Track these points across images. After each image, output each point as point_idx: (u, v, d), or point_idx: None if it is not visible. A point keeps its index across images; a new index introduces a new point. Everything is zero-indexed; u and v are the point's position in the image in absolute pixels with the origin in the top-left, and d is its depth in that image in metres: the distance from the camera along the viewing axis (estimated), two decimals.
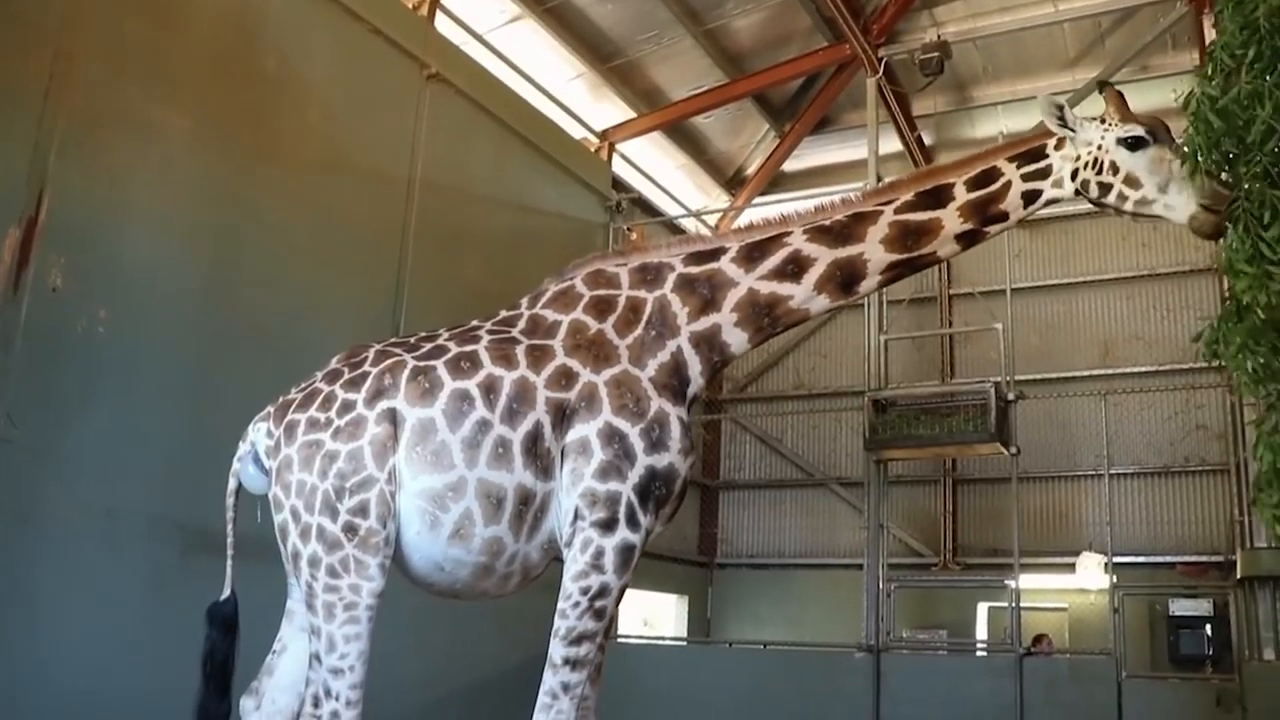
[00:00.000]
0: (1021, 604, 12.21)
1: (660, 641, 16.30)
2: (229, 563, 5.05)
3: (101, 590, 7.89)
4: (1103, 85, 5.24)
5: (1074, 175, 5.11)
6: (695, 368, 5.18)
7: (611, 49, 15.09)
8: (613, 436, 4.81)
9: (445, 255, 11.70)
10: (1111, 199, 5.03)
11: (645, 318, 5.17)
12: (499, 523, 4.76)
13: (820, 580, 17.47)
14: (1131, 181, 4.98)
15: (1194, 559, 15.20)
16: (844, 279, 5.24)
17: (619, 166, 16.24)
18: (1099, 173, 5.03)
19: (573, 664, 4.73)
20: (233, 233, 9.32)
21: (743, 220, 18.93)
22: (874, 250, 5.20)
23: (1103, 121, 5.08)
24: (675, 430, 4.92)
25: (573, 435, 4.84)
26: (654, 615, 17.99)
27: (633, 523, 4.79)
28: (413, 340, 5.17)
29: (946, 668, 12.99)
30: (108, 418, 8.05)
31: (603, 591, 4.77)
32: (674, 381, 5.08)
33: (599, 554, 4.75)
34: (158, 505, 8.29)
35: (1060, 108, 5.10)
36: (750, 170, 18.49)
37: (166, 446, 8.43)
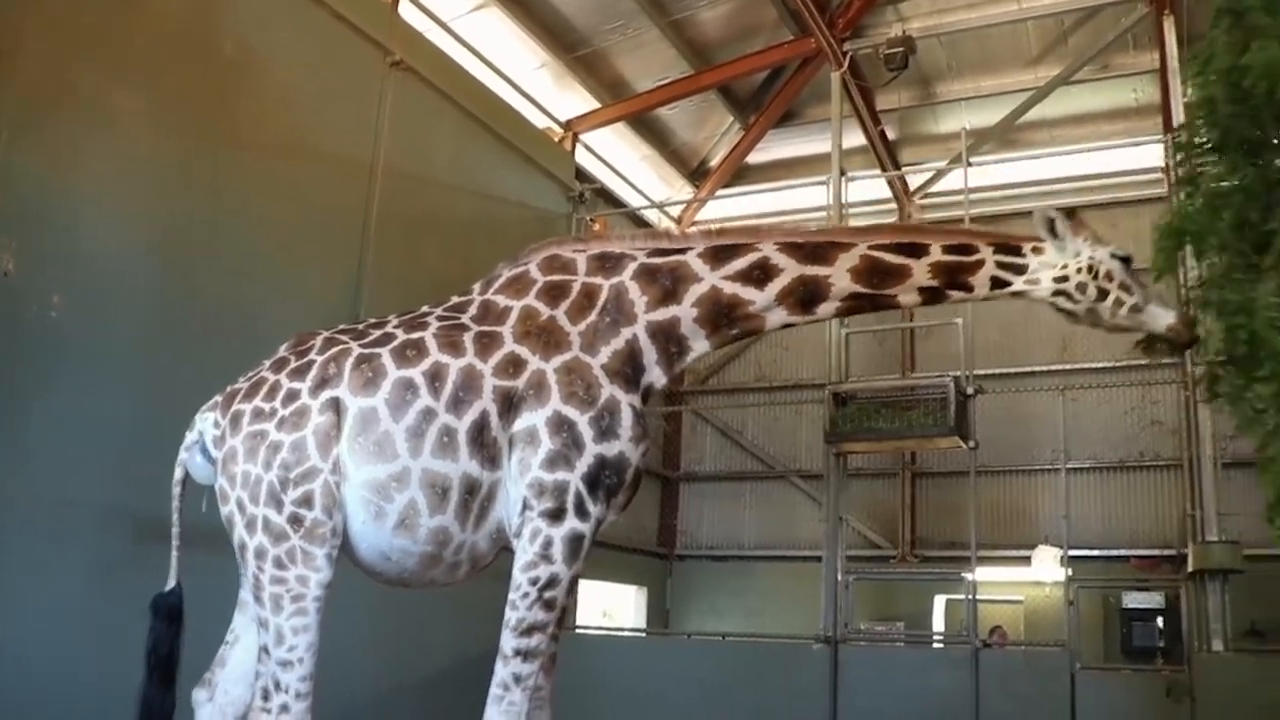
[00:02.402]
0: (978, 596, 12.29)
1: (619, 633, 16.31)
2: (174, 553, 5.02)
3: (53, 580, 7.79)
4: (1071, 211, 5.49)
5: (1061, 279, 5.33)
6: (651, 357, 5.15)
7: (577, 38, 15.05)
8: (561, 425, 4.78)
9: (407, 243, 11.64)
10: (1106, 302, 5.31)
11: (600, 304, 5.12)
12: (444, 512, 4.73)
13: (779, 572, 17.54)
14: (1126, 288, 5.32)
15: (1147, 553, 15.40)
16: (805, 296, 5.28)
17: (582, 157, 16.20)
18: (1096, 278, 5.30)
19: (524, 655, 4.71)
20: (190, 218, 9.21)
21: (705, 213, 19.06)
22: (841, 277, 5.26)
23: (1085, 239, 5.36)
24: (627, 418, 4.90)
25: (520, 424, 4.81)
26: (613, 606, 18.01)
27: (581, 512, 4.77)
28: (361, 327, 5.14)
29: (904, 659, 13.05)
30: (60, 405, 7.94)
31: (552, 582, 4.75)
32: (627, 369, 5.03)
33: (547, 544, 4.73)
34: (112, 495, 8.17)
35: (1052, 220, 5.34)
36: (714, 162, 18.50)
37: (121, 435, 8.32)
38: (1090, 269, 5.31)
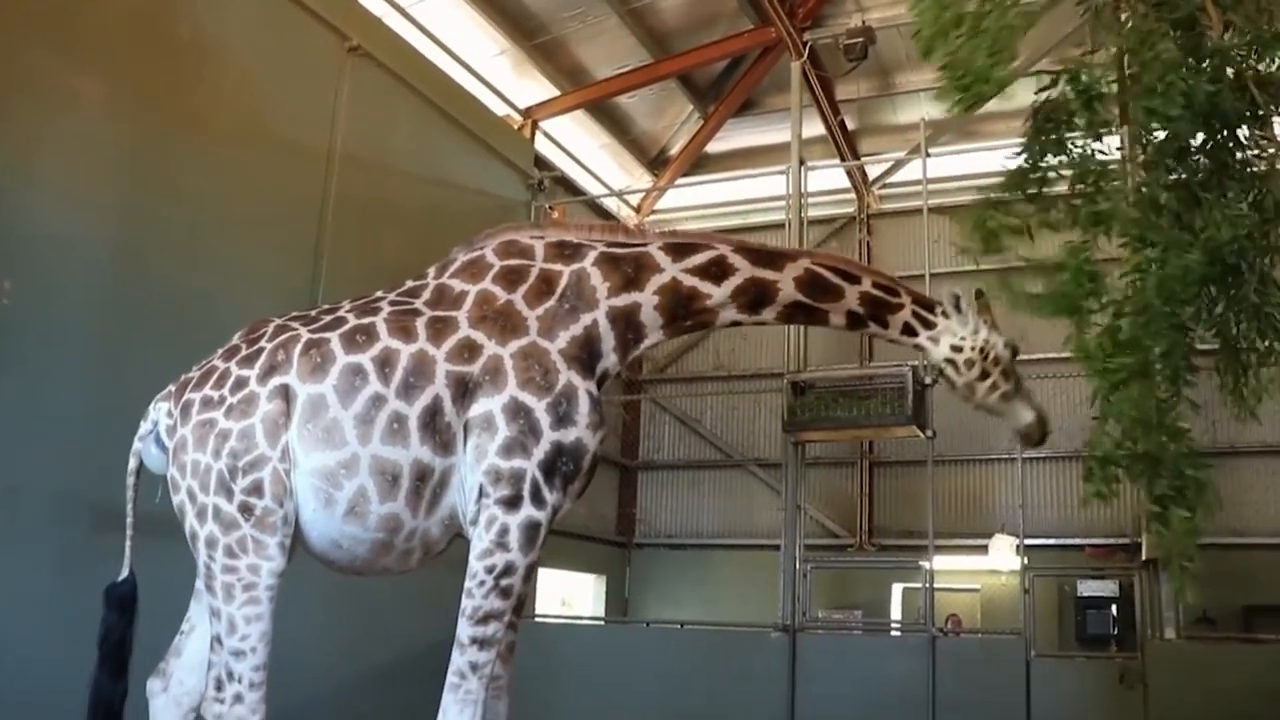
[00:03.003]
0: (935, 585, 12.37)
1: (578, 621, 16.31)
2: (128, 543, 4.98)
3: (8, 568, 7.66)
4: (979, 293, 6.05)
5: (955, 349, 5.86)
6: (609, 343, 5.19)
7: (536, 26, 14.98)
8: (518, 411, 4.77)
9: (365, 230, 11.53)
10: (984, 384, 5.90)
11: (560, 290, 5.14)
12: (395, 499, 4.70)
13: (737, 561, 17.57)
14: (1006, 376, 5.93)
15: (1102, 541, 15.54)
16: (755, 296, 5.53)
17: (542, 145, 16.12)
18: (984, 359, 5.86)
19: (480, 643, 4.70)
20: (146, 204, 9.08)
21: (664, 202, 19.05)
22: (787, 284, 5.55)
23: (986, 322, 5.94)
24: (584, 404, 4.90)
25: (476, 410, 4.78)
26: (572, 595, 17.99)
27: (538, 500, 4.76)
28: (314, 314, 5.10)
29: (861, 647, 13.12)
30: (13, 392, 7.82)
31: (508, 570, 4.73)
32: (584, 355, 5.05)
33: (503, 532, 4.71)
34: (66, 482, 8.07)
35: (958, 298, 5.88)
36: (674, 151, 18.47)
37: (75, 422, 8.20)
38: (982, 351, 5.85)
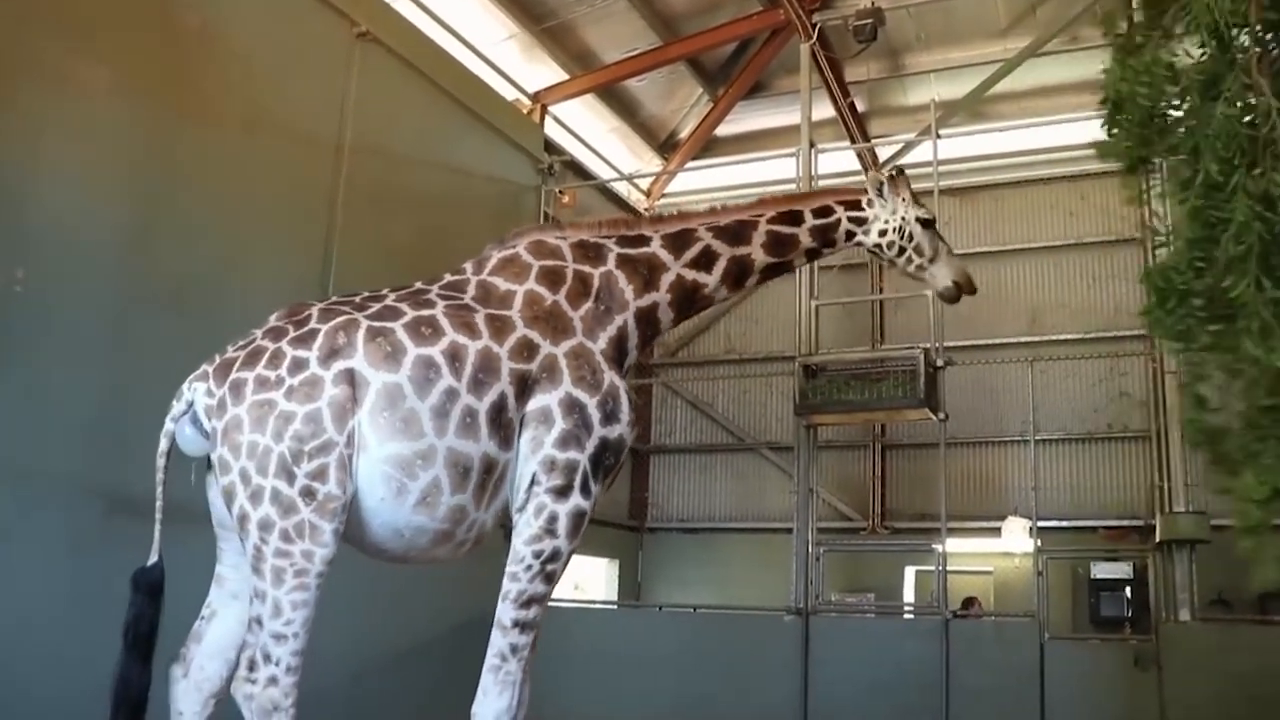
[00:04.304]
0: (948, 568, 12.36)
1: (591, 605, 16.32)
2: (157, 527, 4.88)
3: (20, 552, 7.67)
4: (899, 172, 6.48)
5: (881, 233, 6.32)
6: (633, 341, 5.56)
7: (544, 10, 14.94)
8: (573, 407, 5.04)
9: (375, 216, 11.50)
10: (901, 258, 6.38)
11: (594, 291, 5.46)
12: (465, 491, 4.83)
13: (750, 544, 17.59)
14: (919, 250, 6.38)
15: (1115, 523, 15.53)
16: (738, 274, 6.00)
17: (551, 129, 16.06)
18: (901, 237, 6.33)
19: (522, 626, 4.93)
20: (155, 191, 9.07)
21: (674, 186, 19.01)
22: (758, 252, 6.03)
23: (903, 200, 6.35)
24: (625, 403, 5.23)
25: (534, 404, 5.01)
26: (585, 579, 18.01)
27: (585, 490, 5.03)
28: (358, 299, 5.11)
29: (874, 630, 13.13)
30: (23, 378, 7.82)
31: (554, 555, 4.99)
32: (617, 354, 5.39)
33: (553, 519, 4.96)
34: (78, 466, 8.07)
35: (882, 184, 6.33)
36: (683, 134, 18.42)
37: (87, 407, 8.22)
38: (899, 229, 6.33)
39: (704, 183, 19.14)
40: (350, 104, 11.18)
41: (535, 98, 15.73)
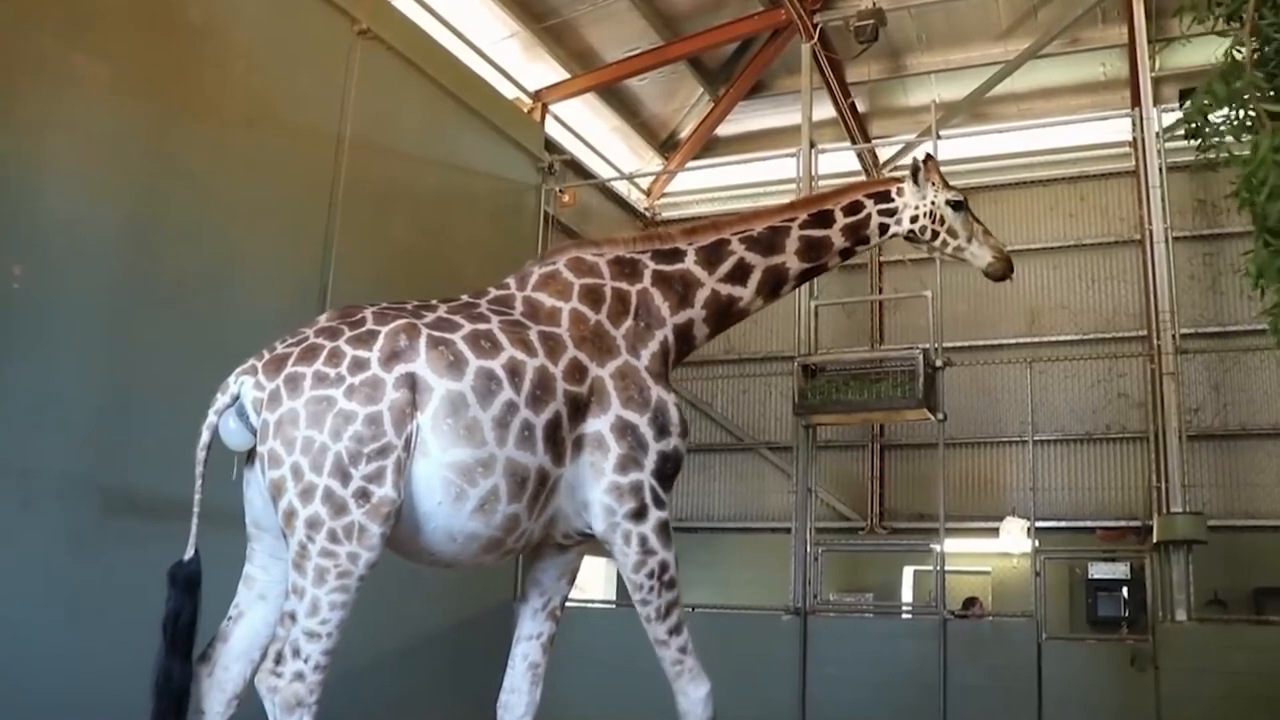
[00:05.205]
0: (946, 568, 12.38)
1: (590, 605, 16.31)
2: (194, 521, 4.78)
3: (20, 550, 7.66)
4: (927, 158, 6.43)
5: (913, 219, 6.30)
6: (673, 355, 5.68)
7: (546, 8, 14.96)
8: (625, 429, 5.21)
9: (375, 214, 11.50)
10: (936, 241, 6.34)
11: (633, 309, 5.57)
12: (520, 501, 4.89)
13: (749, 544, 17.59)
14: (953, 232, 6.34)
15: (1113, 524, 15.55)
16: (773, 284, 6.05)
17: (552, 128, 16.07)
18: (934, 221, 6.30)
19: (674, 630, 5.37)
20: (155, 187, 9.06)
21: (674, 185, 19.00)
22: (792, 260, 6.05)
23: (933, 184, 6.33)
24: (674, 415, 5.35)
25: (587, 429, 5.15)
26: (584, 579, 17.95)
27: (659, 503, 5.26)
28: (410, 307, 5.10)
29: (872, 630, 13.16)
30: (24, 376, 7.80)
31: (664, 567, 5.30)
32: (661, 369, 5.53)
33: (644, 541, 5.23)
34: (78, 464, 8.04)
35: (917, 170, 6.29)
36: (684, 134, 18.43)
37: (86, 405, 8.19)
38: (930, 214, 6.30)
39: (704, 182, 19.16)
40: (351, 102, 11.18)
41: (536, 96, 15.75)
